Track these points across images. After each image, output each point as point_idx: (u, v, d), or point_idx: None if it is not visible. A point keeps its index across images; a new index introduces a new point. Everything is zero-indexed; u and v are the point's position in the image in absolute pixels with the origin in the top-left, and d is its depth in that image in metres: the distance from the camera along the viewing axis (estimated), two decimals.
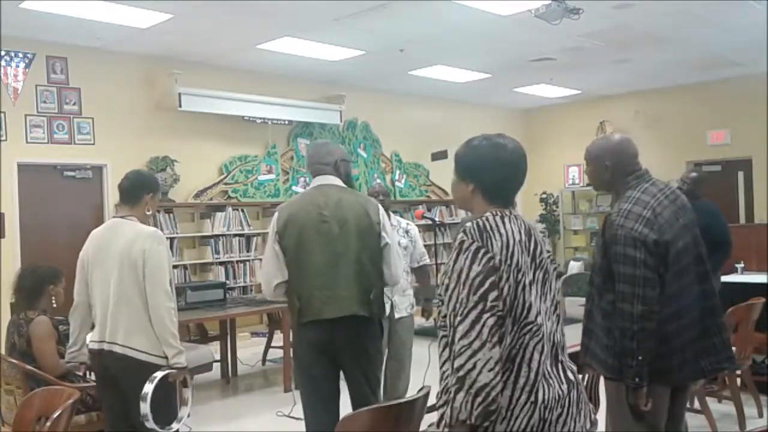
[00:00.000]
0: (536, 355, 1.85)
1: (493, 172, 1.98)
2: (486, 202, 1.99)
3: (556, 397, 1.86)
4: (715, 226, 5.13)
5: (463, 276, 1.82)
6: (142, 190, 3.24)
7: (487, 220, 1.91)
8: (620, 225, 2.58)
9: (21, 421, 2.65)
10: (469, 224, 1.91)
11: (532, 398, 1.83)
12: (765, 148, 9.71)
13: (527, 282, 1.87)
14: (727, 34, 7.71)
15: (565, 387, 1.89)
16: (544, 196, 11.80)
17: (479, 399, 1.74)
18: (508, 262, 1.84)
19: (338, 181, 3.28)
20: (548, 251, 2.00)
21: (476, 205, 2.01)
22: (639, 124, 10.70)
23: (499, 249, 1.84)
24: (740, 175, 10.28)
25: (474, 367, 1.75)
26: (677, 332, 2.58)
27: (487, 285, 1.80)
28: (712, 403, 4.40)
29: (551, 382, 1.87)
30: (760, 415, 4.59)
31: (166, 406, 3.07)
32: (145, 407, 2.95)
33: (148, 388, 2.95)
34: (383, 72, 9.02)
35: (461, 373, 1.76)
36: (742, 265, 5.94)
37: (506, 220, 1.92)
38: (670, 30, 7.49)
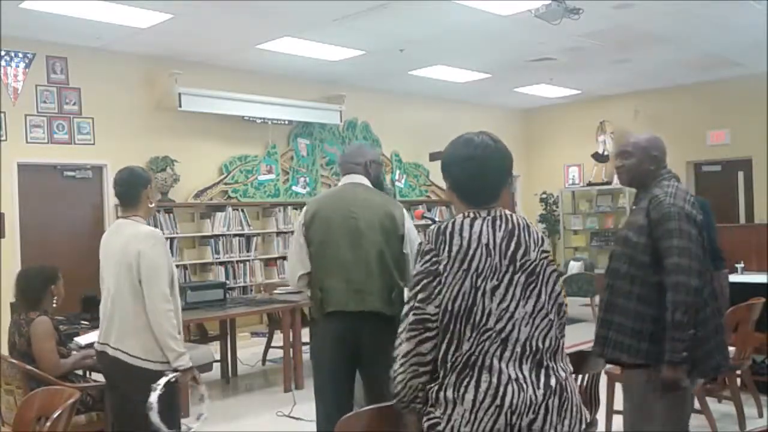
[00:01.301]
0: (496, 362, 1.82)
1: (460, 167, 1.98)
2: (461, 201, 1.98)
3: (527, 403, 1.80)
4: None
5: (413, 274, 1.94)
6: (139, 188, 3.18)
7: (453, 222, 1.91)
8: (671, 204, 2.63)
9: (21, 421, 2.65)
10: (432, 226, 1.94)
11: (498, 402, 1.79)
12: (765, 148, 9.70)
13: (489, 287, 1.84)
14: (727, 34, 7.71)
15: (540, 392, 1.83)
16: (544, 196, 11.79)
17: (392, 382, 1.96)
18: (465, 267, 1.84)
19: (366, 182, 3.36)
20: (545, 252, 1.95)
21: (456, 205, 2.01)
22: (639, 124, 10.70)
23: (454, 254, 1.85)
24: (740, 175, 10.27)
25: (397, 355, 1.93)
26: (704, 321, 2.62)
27: (420, 286, 1.87)
28: (712, 403, 4.39)
29: (524, 386, 1.82)
30: (760, 415, 4.59)
31: (169, 409, 3.03)
32: (154, 416, 2.89)
33: (153, 397, 2.89)
34: (383, 72, 9.02)
35: (393, 353, 1.95)
36: (742, 265, 5.94)
37: (477, 222, 1.89)
38: (670, 30, 7.49)
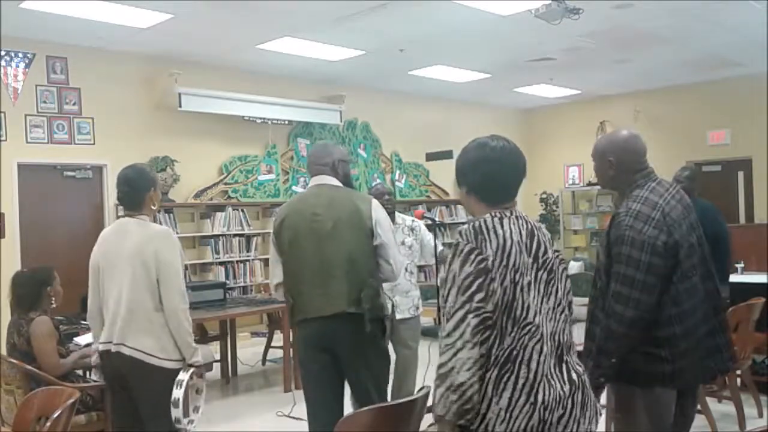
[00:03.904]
0: (535, 356, 1.86)
1: (478, 169, 2.01)
2: (481, 203, 2.01)
3: (557, 398, 1.86)
4: (714, 224, 5.05)
5: (455, 277, 1.86)
6: (143, 193, 3.15)
7: (485, 221, 1.93)
8: (629, 226, 2.51)
9: (21, 421, 2.65)
10: (465, 226, 1.94)
11: (532, 399, 1.83)
12: (765, 148, 9.70)
13: (526, 283, 1.88)
14: (727, 34, 7.71)
15: (567, 388, 1.89)
16: (544, 196, 11.81)
17: (454, 397, 1.79)
18: (504, 263, 1.86)
19: (334, 181, 3.30)
20: (556, 251, 2.01)
21: (474, 208, 2.04)
22: (639, 124, 10.70)
23: (494, 251, 1.86)
24: (740, 175, 10.28)
25: (454, 366, 1.80)
26: (684, 334, 2.54)
27: (474, 286, 1.82)
28: (712, 403, 4.39)
29: (552, 382, 1.87)
30: (760, 415, 4.60)
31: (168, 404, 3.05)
32: (177, 412, 2.95)
33: (177, 393, 2.95)
34: (383, 72, 9.02)
35: (442, 370, 1.82)
36: (742, 265, 5.93)
37: (505, 221, 1.93)
38: (670, 30, 7.49)
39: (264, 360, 7.05)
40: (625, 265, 2.49)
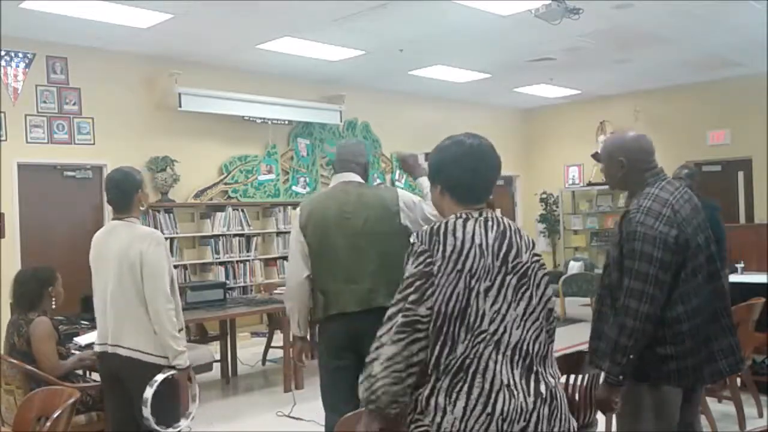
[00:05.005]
0: (491, 365, 1.79)
1: (454, 167, 1.97)
2: (454, 203, 1.96)
3: (518, 410, 1.78)
4: (716, 225, 5.04)
5: (404, 275, 1.88)
6: (131, 194, 3.19)
7: (446, 223, 1.88)
8: (640, 222, 2.51)
9: (21, 421, 2.66)
10: (425, 227, 1.90)
11: (489, 409, 1.77)
12: (765, 148, 9.71)
13: (482, 288, 1.81)
14: (727, 34, 7.71)
15: (531, 400, 1.81)
16: (544, 196, 11.81)
17: (365, 385, 1.86)
18: (459, 267, 1.81)
19: (359, 179, 3.33)
20: (536, 255, 1.93)
21: (447, 208, 1.98)
22: (639, 124, 10.71)
23: (448, 254, 1.82)
24: (740, 175, 10.28)
25: (377, 357, 1.85)
26: (692, 332, 2.53)
27: (412, 288, 1.82)
28: (712, 403, 4.40)
29: (515, 393, 1.79)
30: (760, 415, 4.60)
31: (171, 405, 3.08)
32: (146, 411, 2.96)
33: (148, 393, 2.97)
34: (383, 72, 9.03)
35: (368, 359, 1.88)
36: (742, 265, 5.93)
37: (470, 222, 1.87)
38: (670, 30, 7.49)
39: (264, 360, 7.05)
40: (638, 261, 2.49)
